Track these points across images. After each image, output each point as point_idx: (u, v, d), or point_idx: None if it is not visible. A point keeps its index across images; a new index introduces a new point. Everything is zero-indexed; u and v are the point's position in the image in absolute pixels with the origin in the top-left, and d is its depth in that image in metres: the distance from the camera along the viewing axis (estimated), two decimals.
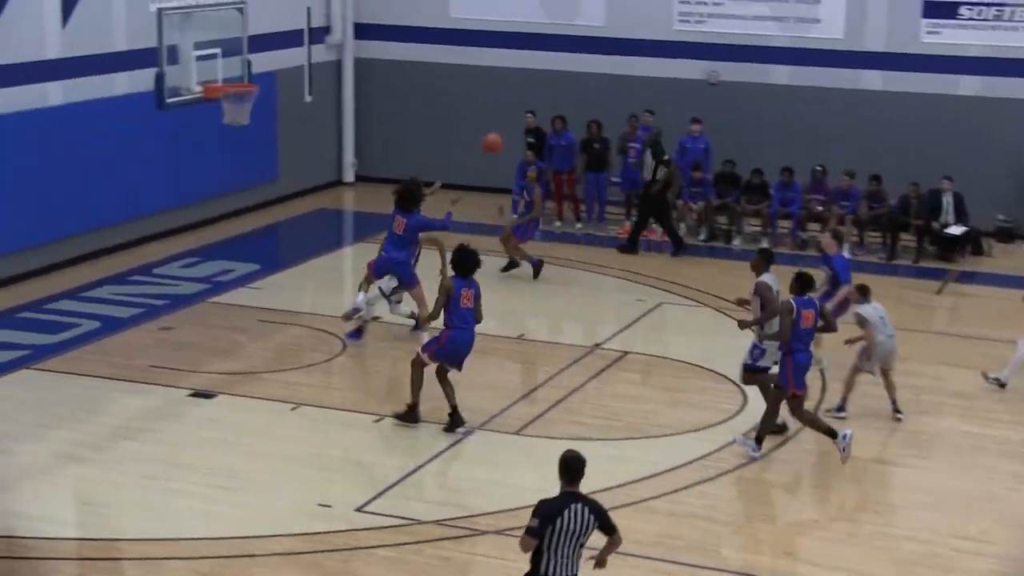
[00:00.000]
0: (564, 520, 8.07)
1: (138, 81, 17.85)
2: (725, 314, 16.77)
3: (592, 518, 8.16)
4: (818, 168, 20.15)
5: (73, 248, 18.05)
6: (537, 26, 22.40)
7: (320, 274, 18.43)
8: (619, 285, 18.24)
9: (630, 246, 19.68)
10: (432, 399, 13.03)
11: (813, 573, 10.67)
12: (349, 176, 23.81)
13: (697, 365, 14.97)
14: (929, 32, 20.81)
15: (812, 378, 14.58)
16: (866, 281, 14.38)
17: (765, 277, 13.04)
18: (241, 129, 16.16)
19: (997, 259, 19.77)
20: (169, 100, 14.55)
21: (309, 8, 22.43)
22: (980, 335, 16.17)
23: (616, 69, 22.03)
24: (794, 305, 12.41)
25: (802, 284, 12.52)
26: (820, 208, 19.98)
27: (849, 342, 13.67)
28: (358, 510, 11.37)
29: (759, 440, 12.61)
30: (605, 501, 11.56)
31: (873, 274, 17.48)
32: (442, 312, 12.81)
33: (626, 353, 15.25)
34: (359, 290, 14.84)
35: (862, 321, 13.48)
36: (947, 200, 19.62)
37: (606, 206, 21.05)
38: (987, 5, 20.51)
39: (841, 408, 13.60)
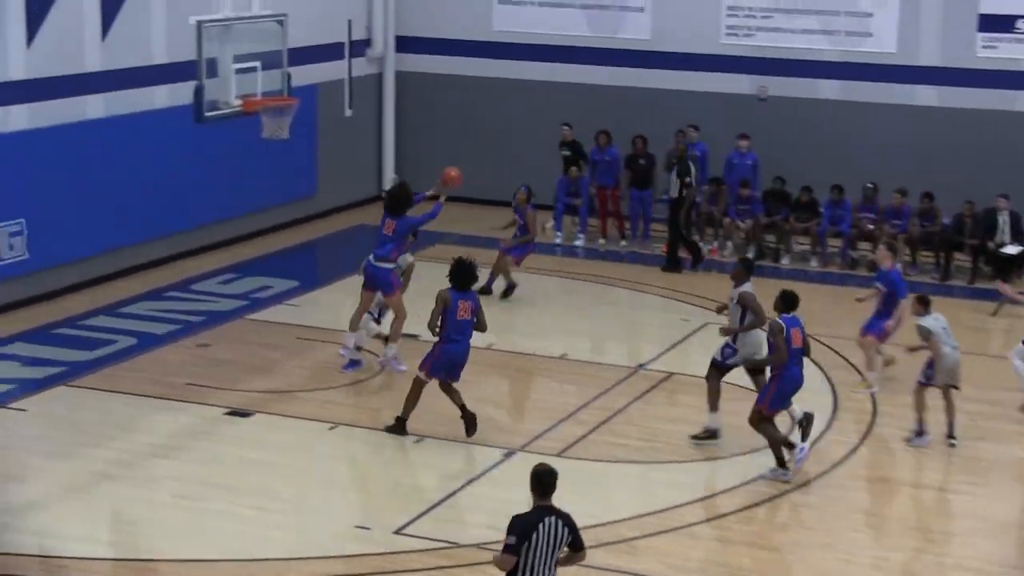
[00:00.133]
0: (539, 534, 8.15)
1: (177, 94, 17.97)
2: None
3: (566, 531, 8.25)
4: (869, 186, 20.01)
5: (110, 263, 18.17)
6: (581, 39, 22.40)
7: (359, 291, 18.43)
8: (664, 304, 18.17)
9: (672, 264, 19.60)
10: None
11: None
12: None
13: (744, 387, 14.82)
14: (985, 46, 20.65)
15: (863, 401, 14.49)
16: None
17: (747, 287, 13.11)
18: (280, 143, 16.23)
19: None
20: (208, 114, 14.61)
21: (350, 21, 22.53)
22: None
23: (662, 83, 21.99)
24: (784, 325, 12.35)
25: (787, 302, 12.54)
26: (871, 227, 19.83)
27: (912, 350, 13.56)
28: (396, 532, 11.35)
29: (780, 463, 12.49)
30: (649, 526, 11.56)
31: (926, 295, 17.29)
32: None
33: (671, 374, 15.18)
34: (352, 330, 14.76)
35: (925, 333, 13.26)
36: (1003, 219, 19.43)
37: (651, 223, 20.98)
38: None
39: (921, 432, 13.32)
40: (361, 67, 22.94)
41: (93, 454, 12.75)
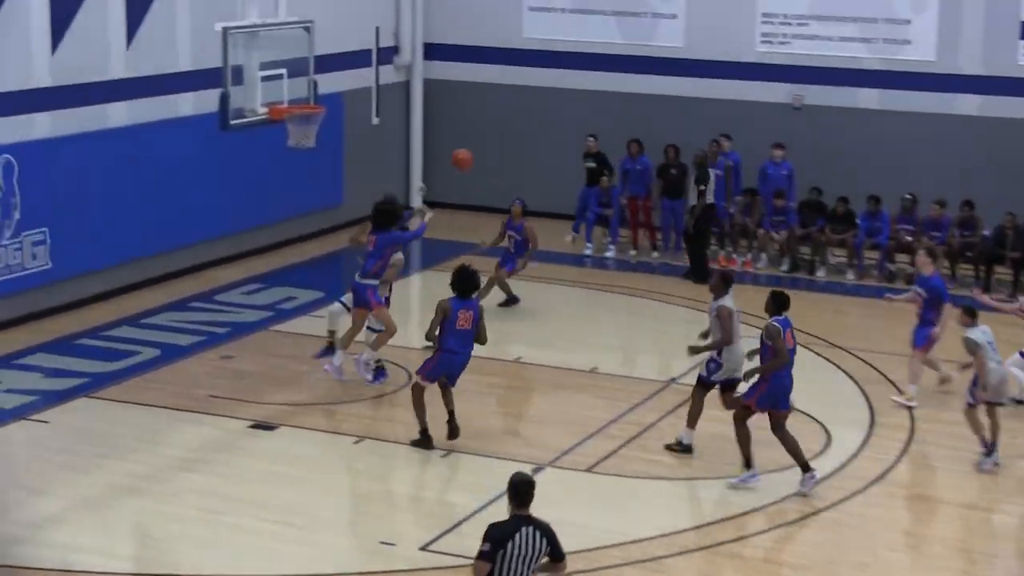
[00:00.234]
0: (515, 544, 8.17)
1: (203, 102, 18.06)
2: (808, 349, 16.61)
3: (544, 542, 8.26)
4: (908, 197, 19.93)
5: (134, 273, 18.27)
6: (613, 47, 22.42)
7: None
8: (696, 317, 18.04)
9: (698, 275, 19.44)
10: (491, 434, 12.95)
11: None
12: (417, 201, 23.84)
13: None
14: None
15: (901, 417, 14.41)
16: None
17: (726, 300, 13.07)
18: (306, 152, 16.28)
19: None
20: (233, 122, 14.65)
21: (378, 28, 22.60)
22: None
23: (695, 92, 21.98)
24: (781, 328, 12.39)
25: (778, 304, 12.55)
26: (909, 239, 19.75)
27: (965, 367, 13.50)
28: (423, 549, 11.35)
29: (748, 463, 12.54)
30: (680, 544, 11.53)
31: None
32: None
33: None
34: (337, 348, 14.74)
35: (972, 346, 13.16)
36: None
37: (683, 235, 20.92)
38: None
39: (990, 452, 13.14)
40: (388, 75, 23.01)
41: (115, 467, 12.81)
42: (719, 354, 13.09)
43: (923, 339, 14.72)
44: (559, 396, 14.69)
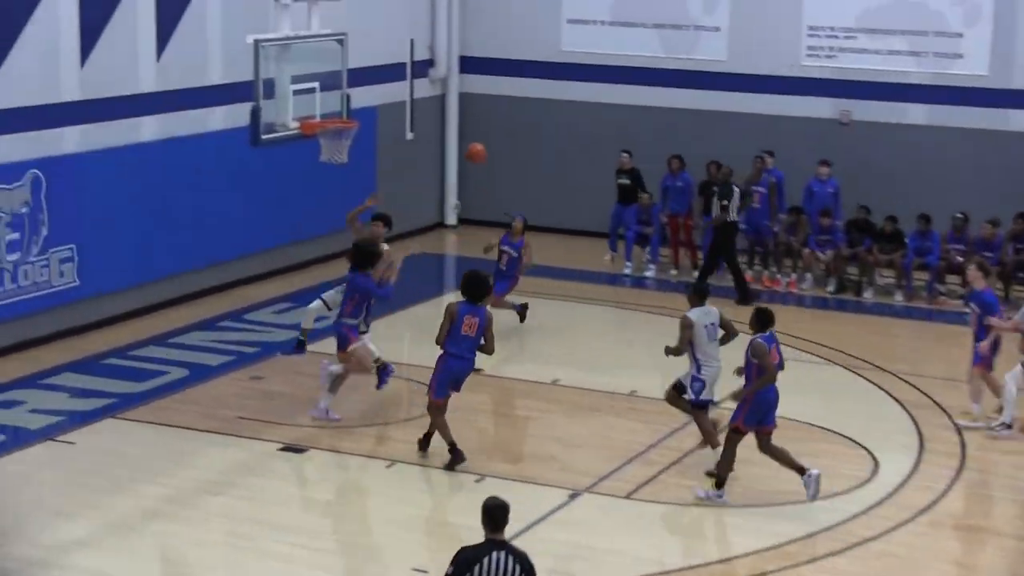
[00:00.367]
0: (483, 568, 8.11)
1: (234, 116, 18.19)
2: (855, 373, 16.56)
3: (517, 568, 8.20)
4: (959, 216, 19.84)
5: (162, 291, 18.39)
6: (655, 60, 22.44)
7: (419, 323, 18.51)
8: (739, 340, 18.02)
9: (743, 296, 19.40)
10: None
11: None
12: (451, 219, 23.99)
13: (823, 427, 14.76)
14: None
15: (951, 444, 14.32)
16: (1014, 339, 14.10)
17: (693, 312, 13.45)
18: (339, 168, 16.35)
19: None
20: (265, 136, 14.73)
21: (412, 40, 22.70)
22: None
23: (738, 107, 21.97)
24: (767, 345, 12.48)
25: (763, 321, 12.68)
26: (960, 259, 19.64)
27: None
28: None
29: (719, 483, 12.71)
30: (721, 573, 11.49)
31: None
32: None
33: None
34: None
35: None
36: None
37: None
38: None
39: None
40: (423, 88, 23.10)
41: (142, 490, 12.88)
42: (698, 371, 13.40)
43: (980, 356, 14.66)
44: (597, 420, 14.68)
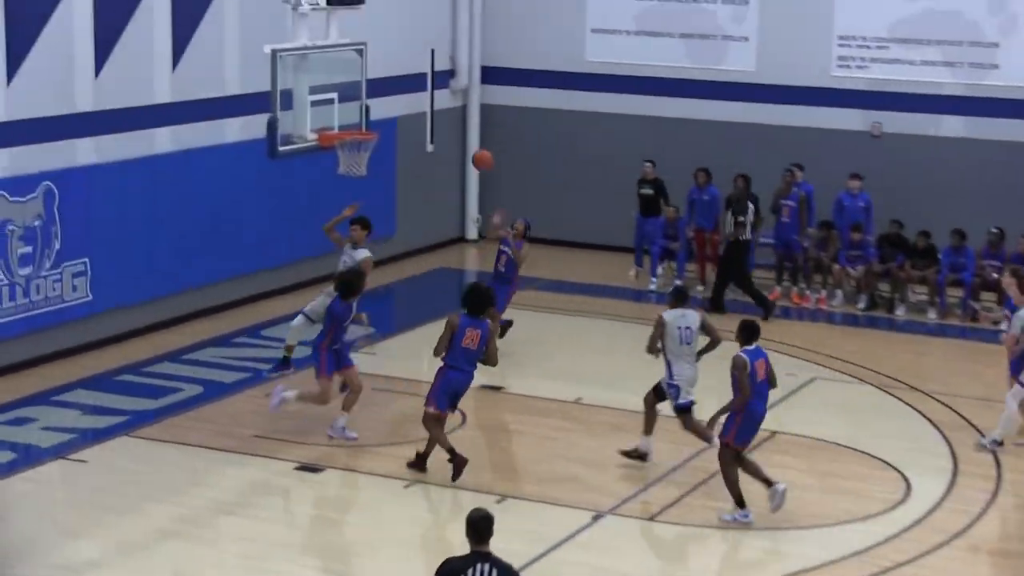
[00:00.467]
0: None
1: (250, 128, 18.25)
2: (887, 392, 16.49)
3: None
4: (994, 231, 19.77)
5: (177, 306, 18.44)
6: (681, 71, 22.44)
7: (435, 340, 18.53)
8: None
9: (764, 308, 19.40)
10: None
11: None
12: (472, 233, 24.00)
13: (854, 448, 14.71)
14: None
15: (986, 466, 14.25)
16: None
17: (668, 312, 13.62)
18: (357, 180, 16.38)
19: None
20: (282, 148, 14.76)
21: (433, 50, 22.74)
22: None
23: (767, 118, 21.94)
24: (747, 360, 12.45)
25: (748, 334, 12.68)
26: (996, 275, 19.55)
27: None
28: None
29: (739, 503, 12.69)
30: None
31: None
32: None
33: (774, 433, 15.03)
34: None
35: None
36: None
37: (754, 269, 20.85)
38: None
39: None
40: (444, 99, 23.13)
41: (155, 509, 12.90)
42: (671, 376, 13.60)
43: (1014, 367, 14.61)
44: (621, 439, 14.64)
